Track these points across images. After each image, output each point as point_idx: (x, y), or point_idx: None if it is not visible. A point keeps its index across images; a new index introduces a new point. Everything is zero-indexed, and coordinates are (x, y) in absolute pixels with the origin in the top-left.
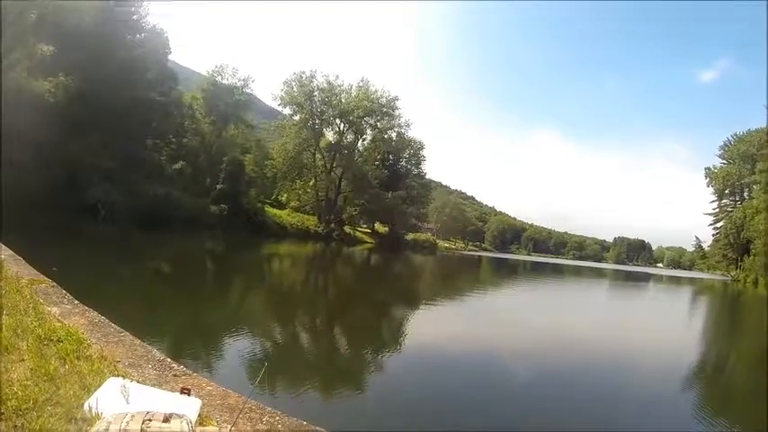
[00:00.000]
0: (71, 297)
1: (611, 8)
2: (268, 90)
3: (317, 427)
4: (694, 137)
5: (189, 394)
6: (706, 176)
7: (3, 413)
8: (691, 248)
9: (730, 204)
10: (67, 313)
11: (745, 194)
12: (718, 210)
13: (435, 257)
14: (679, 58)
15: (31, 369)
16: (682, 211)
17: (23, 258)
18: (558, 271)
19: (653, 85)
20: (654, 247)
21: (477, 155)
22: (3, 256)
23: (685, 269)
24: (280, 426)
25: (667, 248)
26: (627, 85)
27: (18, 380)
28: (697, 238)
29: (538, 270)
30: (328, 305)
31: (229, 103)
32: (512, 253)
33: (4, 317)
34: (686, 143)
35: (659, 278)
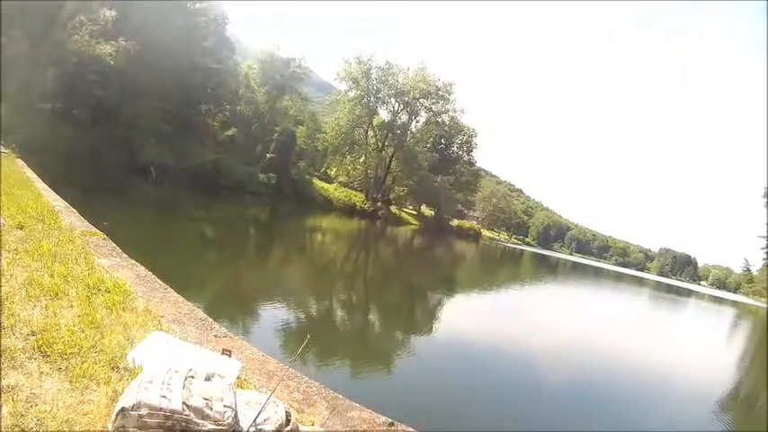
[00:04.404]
0: (120, 251)
1: None
2: (324, 64)
3: (352, 402)
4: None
5: (230, 356)
6: (764, 196)
7: (49, 355)
8: (738, 270)
9: None
10: (116, 266)
11: None
12: None
13: (478, 246)
14: None
15: (79, 316)
16: (735, 229)
17: (77, 211)
18: (598, 275)
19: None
20: (700, 264)
21: (530, 148)
22: (58, 208)
23: (730, 291)
24: (316, 396)
25: (713, 266)
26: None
27: (66, 325)
28: (746, 260)
29: (578, 271)
30: (366, 283)
31: (285, 75)
32: (554, 250)
33: (56, 264)
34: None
35: (701, 296)
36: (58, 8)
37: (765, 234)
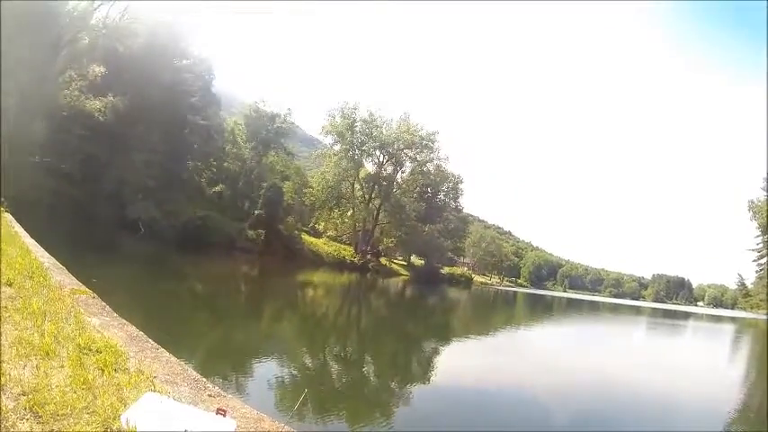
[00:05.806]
0: (110, 309)
1: None
2: (309, 118)
3: None
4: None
5: (224, 415)
6: (749, 209)
7: (41, 416)
8: (734, 286)
9: None
10: (107, 325)
11: None
12: (762, 245)
13: (470, 292)
14: None
15: (71, 376)
16: (725, 246)
17: (65, 268)
18: (594, 309)
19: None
20: (694, 285)
21: (516, 190)
22: (47, 264)
23: (727, 308)
24: None
25: (708, 286)
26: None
27: (57, 385)
28: (740, 275)
29: (574, 307)
30: (360, 335)
31: (271, 130)
32: (547, 289)
33: (46, 323)
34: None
35: (699, 317)
36: (50, 63)
37: (754, 247)
